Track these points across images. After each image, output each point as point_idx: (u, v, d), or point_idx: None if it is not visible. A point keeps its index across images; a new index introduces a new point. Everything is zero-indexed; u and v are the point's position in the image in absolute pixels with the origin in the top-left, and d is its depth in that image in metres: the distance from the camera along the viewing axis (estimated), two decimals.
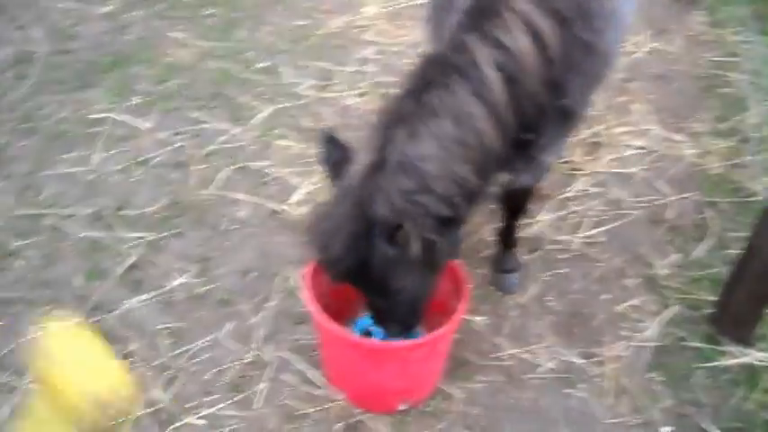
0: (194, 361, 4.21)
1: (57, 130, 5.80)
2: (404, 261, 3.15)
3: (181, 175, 5.34)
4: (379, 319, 3.68)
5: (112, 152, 5.55)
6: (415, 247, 3.06)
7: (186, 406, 3.99)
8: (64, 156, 5.54)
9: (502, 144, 3.18)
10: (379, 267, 3.19)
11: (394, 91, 3.31)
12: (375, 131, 3.20)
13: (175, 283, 4.60)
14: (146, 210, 5.05)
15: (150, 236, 4.87)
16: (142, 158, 5.48)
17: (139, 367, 4.14)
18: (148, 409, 3.94)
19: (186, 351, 4.25)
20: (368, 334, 3.92)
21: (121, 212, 5.04)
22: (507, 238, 4.55)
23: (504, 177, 3.79)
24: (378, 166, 3.08)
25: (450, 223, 3.17)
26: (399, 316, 3.60)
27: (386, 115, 3.22)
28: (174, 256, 4.76)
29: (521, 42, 3.09)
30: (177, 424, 3.90)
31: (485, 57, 3.07)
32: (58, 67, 6.53)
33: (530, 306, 4.54)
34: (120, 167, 5.41)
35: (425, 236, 3.07)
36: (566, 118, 3.52)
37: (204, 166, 5.40)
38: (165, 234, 4.89)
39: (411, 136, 3.05)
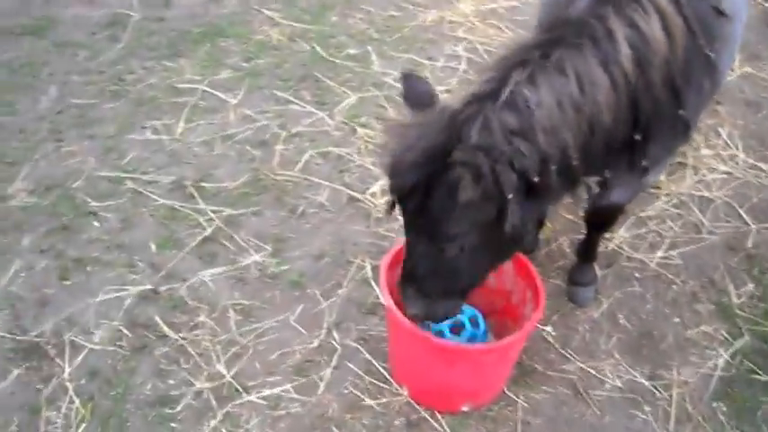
0: (261, 340, 4.23)
1: (144, 95, 5.87)
2: (470, 205, 2.85)
3: (264, 153, 5.37)
4: (408, 280, 3.30)
5: (198, 123, 5.61)
6: (466, 194, 2.77)
7: (249, 384, 4.02)
8: (149, 122, 5.61)
9: (613, 130, 3.04)
10: (441, 197, 2.90)
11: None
12: (492, 69, 3.04)
13: (249, 260, 4.62)
14: (226, 184, 5.08)
15: (228, 210, 4.90)
16: (226, 133, 5.52)
17: (206, 340, 4.17)
18: (210, 383, 3.99)
19: (254, 330, 4.27)
20: (439, 334, 3.91)
21: (202, 184, 5.08)
22: (587, 252, 4.50)
23: (594, 189, 3.67)
24: (488, 96, 2.91)
25: (531, 194, 2.93)
26: (433, 282, 3.23)
27: (508, 58, 3.04)
28: (250, 234, 4.78)
29: (655, 29, 2.98)
30: (238, 401, 3.93)
31: (621, 31, 2.96)
32: (150, 34, 6.61)
33: (600, 321, 4.49)
34: (204, 139, 5.46)
35: (500, 190, 2.81)
36: (678, 130, 3.39)
37: (287, 146, 5.42)
38: (244, 210, 4.92)
39: (530, 81, 2.89)
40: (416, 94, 3.12)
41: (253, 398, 3.96)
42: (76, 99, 5.85)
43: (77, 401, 3.88)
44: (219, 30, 6.71)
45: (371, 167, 5.28)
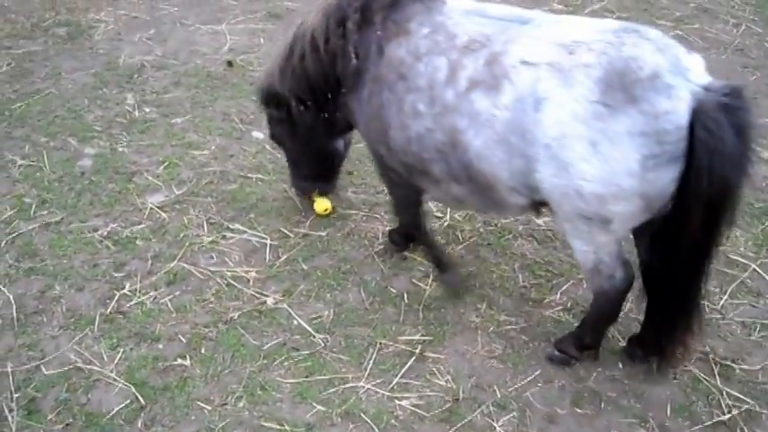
0: None
1: None
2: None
3: None
4: None
5: (740, 300, 5.40)
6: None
7: None
8: None
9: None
10: None
11: None
12: None
13: None
14: (756, 375, 4.82)
15: (750, 404, 4.63)
16: None
17: None
18: None
19: None
20: None
21: (731, 365, 4.88)
22: None
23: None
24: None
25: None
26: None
27: None
28: None
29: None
30: None
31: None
32: None
33: None
34: (743, 320, 5.23)
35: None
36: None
37: None
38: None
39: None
40: None
41: None
42: None
43: None
44: None
45: None
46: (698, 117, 3.60)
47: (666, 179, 3.75)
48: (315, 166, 5.65)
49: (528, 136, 3.88)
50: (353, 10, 4.60)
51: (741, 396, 4.68)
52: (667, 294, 4.28)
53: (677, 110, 3.61)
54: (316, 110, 5.17)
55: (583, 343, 4.72)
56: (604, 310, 4.52)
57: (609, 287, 4.33)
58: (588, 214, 3.95)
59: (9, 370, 4.69)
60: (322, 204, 5.97)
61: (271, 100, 5.37)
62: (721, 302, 5.36)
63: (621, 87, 3.63)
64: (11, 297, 5.20)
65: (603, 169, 3.73)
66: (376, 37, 4.53)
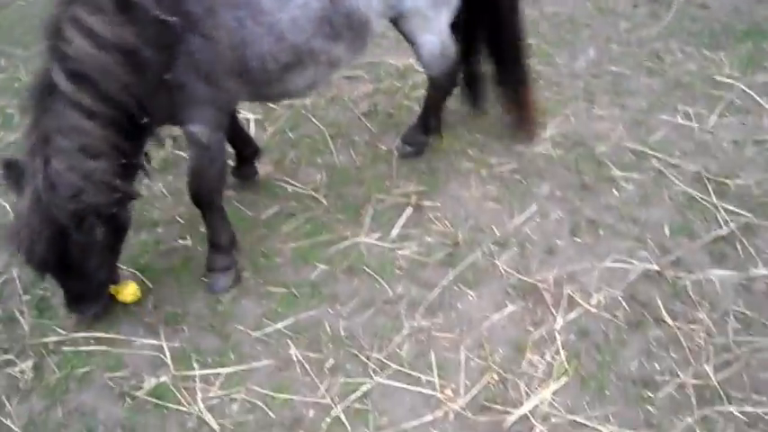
0: (756, 356, 3.98)
1: (680, 79, 5.84)
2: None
3: None
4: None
5: (730, 120, 5.42)
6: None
7: (732, 394, 3.81)
8: (682, 106, 5.58)
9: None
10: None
11: None
12: None
13: (759, 272, 4.39)
14: (751, 189, 4.87)
15: (747, 216, 4.70)
16: (758, 138, 5.28)
17: (700, 338, 4.04)
18: (695, 381, 3.85)
19: (751, 342, 4.04)
20: None
21: (725, 181, 4.92)
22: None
23: None
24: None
25: None
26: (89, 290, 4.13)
27: None
28: (765, 245, 4.54)
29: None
30: (718, 407, 3.74)
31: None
32: (692, 19, 6.55)
33: None
34: (734, 138, 5.29)
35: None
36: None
37: None
38: (763, 222, 4.68)
39: None
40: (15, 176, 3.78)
41: (733, 409, 3.74)
42: (613, 66, 5.96)
43: (563, 355, 3.96)
44: (763, 31, 6.41)
45: None
46: None
47: None
48: (114, 260, 4.28)
49: None
50: None
51: (737, 210, 4.73)
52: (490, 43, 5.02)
53: None
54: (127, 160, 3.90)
55: (429, 127, 5.18)
56: (446, 88, 5.06)
57: (448, 67, 4.85)
58: None
59: (15, 275, 4.69)
60: (128, 289, 4.46)
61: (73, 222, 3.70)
62: (710, 122, 5.37)
63: None
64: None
65: None
66: None
